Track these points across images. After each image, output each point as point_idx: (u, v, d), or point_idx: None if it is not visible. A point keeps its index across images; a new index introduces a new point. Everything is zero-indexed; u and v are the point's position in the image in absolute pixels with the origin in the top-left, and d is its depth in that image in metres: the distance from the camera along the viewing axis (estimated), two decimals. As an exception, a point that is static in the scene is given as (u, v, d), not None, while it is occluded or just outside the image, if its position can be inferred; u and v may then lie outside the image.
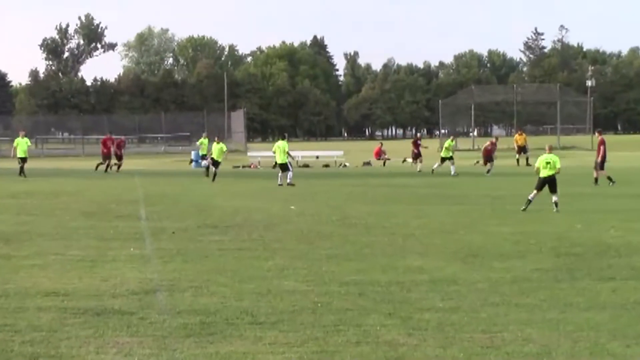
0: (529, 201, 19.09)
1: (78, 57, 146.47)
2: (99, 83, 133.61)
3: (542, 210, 18.90)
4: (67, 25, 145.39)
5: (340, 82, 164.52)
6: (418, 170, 39.75)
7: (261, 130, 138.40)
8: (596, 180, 28.14)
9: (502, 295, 9.35)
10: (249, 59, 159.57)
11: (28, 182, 31.45)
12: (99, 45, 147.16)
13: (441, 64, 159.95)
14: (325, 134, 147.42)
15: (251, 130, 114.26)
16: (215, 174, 32.09)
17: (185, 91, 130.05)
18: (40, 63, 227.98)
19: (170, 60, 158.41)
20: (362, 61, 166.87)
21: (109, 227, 15.83)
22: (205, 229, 15.66)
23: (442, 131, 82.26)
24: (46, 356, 6.84)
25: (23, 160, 35.06)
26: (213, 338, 7.40)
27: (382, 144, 54.02)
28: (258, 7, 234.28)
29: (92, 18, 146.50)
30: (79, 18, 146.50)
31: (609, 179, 27.86)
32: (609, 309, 8.70)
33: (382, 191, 26.47)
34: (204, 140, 42.18)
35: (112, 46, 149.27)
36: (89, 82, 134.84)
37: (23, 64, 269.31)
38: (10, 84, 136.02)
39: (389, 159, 49.45)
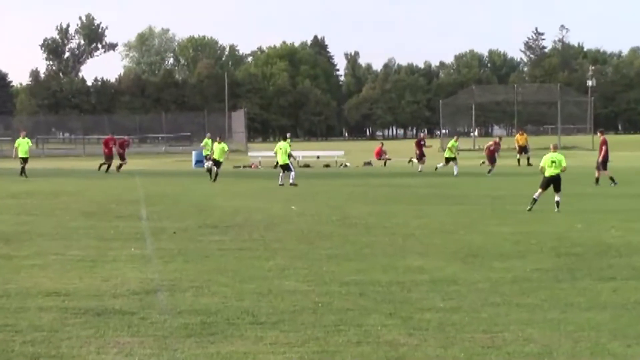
0: (534, 200, 19.15)
1: (79, 57, 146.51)
2: (99, 83, 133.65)
3: (543, 210, 18.89)
4: (68, 26, 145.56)
5: (340, 82, 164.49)
6: (419, 170, 39.76)
7: (262, 130, 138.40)
8: (597, 180, 28.13)
9: (502, 295, 9.35)
10: (250, 59, 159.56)
11: (29, 182, 31.45)
12: (99, 45, 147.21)
13: (442, 64, 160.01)
14: (325, 134, 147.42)
15: (252, 130, 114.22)
16: (216, 174, 32.10)
17: (185, 91, 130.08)
18: (41, 63, 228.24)
19: (171, 60, 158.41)
20: (362, 61, 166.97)
21: (110, 227, 15.83)
22: (205, 229, 15.67)
23: (443, 131, 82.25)
24: (47, 356, 6.85)
25: (24, 160, 35.07)
26: (214, 338, 7.40)
27: (382, 144, 54.00)
28: (258, 7, 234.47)
29: (93, 18, 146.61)
30: (80, 18, 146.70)
31: (612, 179, 27.84)
32: (610, 309, 8.70)
33: (383, 191, 26.47)
34: (207, 141, 42.16)
35: (112, 46, 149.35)
36: (89, 82, 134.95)
37: (24, 64, 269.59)
38: (11, 84, 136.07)
39: (389, 159, 49.44)
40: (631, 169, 37.49)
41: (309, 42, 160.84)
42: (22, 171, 34.35)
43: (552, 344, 7.25)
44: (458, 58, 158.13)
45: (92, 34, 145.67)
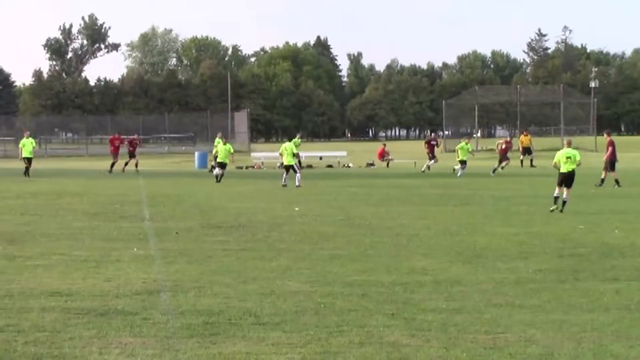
0: (556, 198, 19.26)
1: (82, 58, 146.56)
2: (102, 83, 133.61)
3: (546, 211, 18.91)
4: (71, 26, 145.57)
5: (343, 83, 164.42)
6: (422, 170, 39.76)
7: (265, 130, 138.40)
8: (602, 181, 28.08)
9: (505, 296, 9.35)
10: (253, 59, 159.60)
11: (32, 182, 31.49)
12: (102, 46, 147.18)
13: (445, 64, 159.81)
14: (328, 134, 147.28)
15: (255, 130, 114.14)
16: (221, 175, 32.06)
17: (189, 91, 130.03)
18: (44, 63, 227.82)
19: (174, 60, 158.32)
20: (365, 62, 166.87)
21: (113, 227, 15.85)
22: (208, 229, 15.67)
23: (446, 132, 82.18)
24: (49, 356, 6.85)
25: (28, 160, 35.11)
26: (216, 338, 7.40)
27: (385, 145, 53.94)
28: (261, 8, 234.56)
29: (96, 18, 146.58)
30: (83, 18, 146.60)
31: (617, 182, 27.78)
32: (613, 310, 8.69)
33: (386, 192, 26.46)
34: (219, 140, 42.30)
35: (115, 46, 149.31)
36: (92, 83, 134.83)
37: (27, 65, 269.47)
38: (14, 85, 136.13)
39: (392, 160, 49.42)
40: (634, 170, 37.43)
41: (311, 43, 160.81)
42: (26, 171, 34.39)
43: (555, 345, 7.24)
44: (461, 59, 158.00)
45: (95, 34, 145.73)
